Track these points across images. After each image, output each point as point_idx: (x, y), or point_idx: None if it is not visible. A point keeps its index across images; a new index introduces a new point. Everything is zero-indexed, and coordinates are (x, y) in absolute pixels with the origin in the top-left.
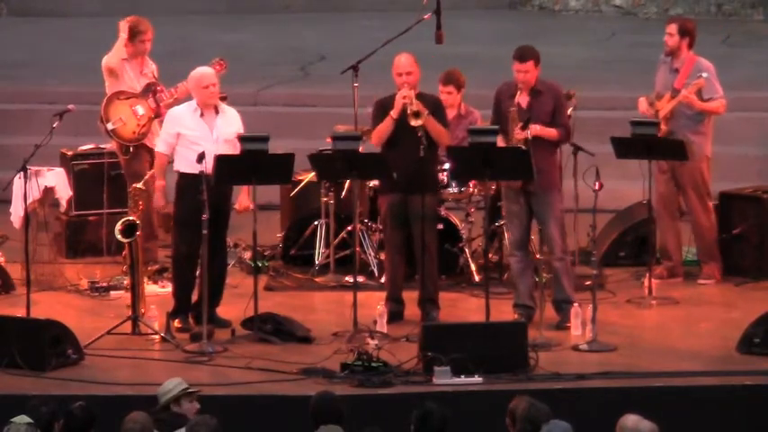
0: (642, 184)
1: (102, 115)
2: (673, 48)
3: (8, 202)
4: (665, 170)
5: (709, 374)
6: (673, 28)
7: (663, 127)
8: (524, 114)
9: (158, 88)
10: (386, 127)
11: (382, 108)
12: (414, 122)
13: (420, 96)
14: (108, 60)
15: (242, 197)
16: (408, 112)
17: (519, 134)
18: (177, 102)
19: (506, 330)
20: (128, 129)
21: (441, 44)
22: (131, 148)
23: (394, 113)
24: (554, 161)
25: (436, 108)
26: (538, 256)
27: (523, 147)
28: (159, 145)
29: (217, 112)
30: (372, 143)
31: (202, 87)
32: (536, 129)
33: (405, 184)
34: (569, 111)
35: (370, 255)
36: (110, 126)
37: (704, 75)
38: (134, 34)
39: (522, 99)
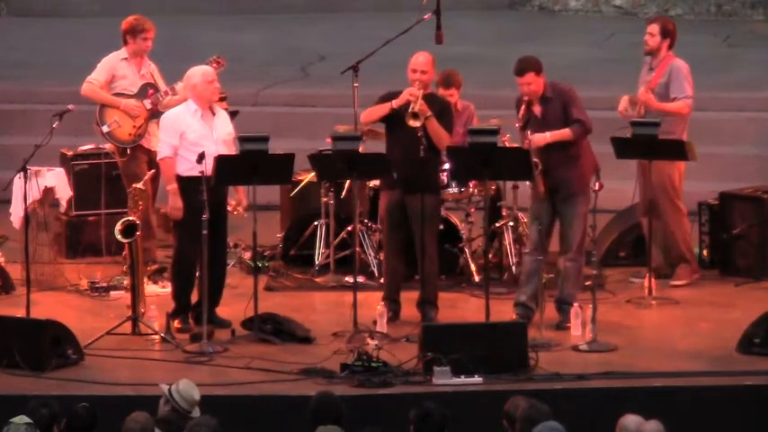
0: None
1: (98, 118)
2: (652, 48)
3: (8, 202)
4: (642, 172)
5: (709, 374)
6: (654, 28)
7: None
8: (540, 124)
9: (154, 89)
10: (381, 110)
11: (389, 97)
12: (411, 123)
13: (430, 97)
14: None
15: (239, 195)
16: (408, 110)
17: (529, 142)
18: (173, 102)
19: (506, 330)
20: (123, 131)
21: (440, 44)
22: (128, 150)
23: (395, 103)
24: (581, 167)
25: (443, 111)
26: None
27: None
28: (164, 150)
29: (213, 113)
30: (360, 118)
31: (207, 82)
32: (545, 137)
33: (404, 183)
34: None
35: (370, 255)
36: (105, 128)
37: (651, 73)
38: (136, 32)
39: (536, 108)
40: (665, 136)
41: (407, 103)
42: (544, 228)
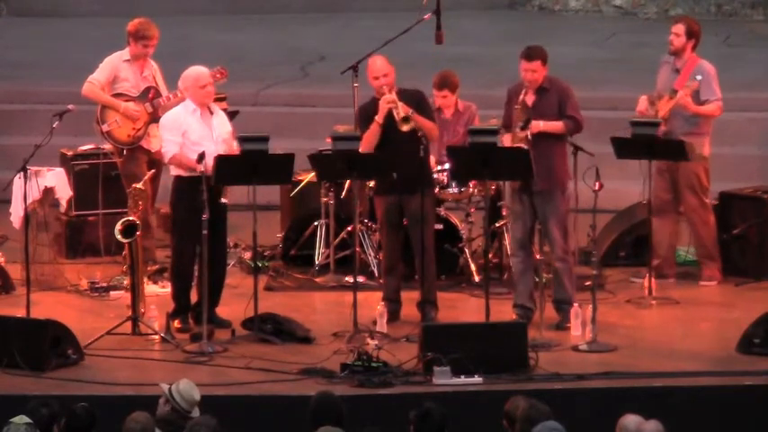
0: (642, 184)
1: (98, 116)
2: (678, 48)
3: (8, 202)
4: (663, 172)
5: (709, 374)
6: (680, 28)
7: (661, 127)
8: (528, 112)
9: (155, 92)
10: (373, 134)
11: (366, 113)
12: (405, 128)
13: (402, 93)
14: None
15: None
16: (397, 119)
17: (519, 133)
18: (172, 106)
19: (506, 330)
20: (122, 131)
21: (440, 44)
22: (125, 150)
23: (379, 119)
24: (560, 160)
25: (419, 102)
26: (538, 256)
27: (524, 145)
28: (171, 148)
29: (211, 112)
30: (362, 150)
31: (199, 87)
32: (539, 125)
33: (402, 184)
34: None
35: (370, 255)
36: (104, 127)
37: (698, 77)
38: (138, 37)
39: (529, 98)
40: (695, 138)
41: (390, 113)
42: (526, 228)
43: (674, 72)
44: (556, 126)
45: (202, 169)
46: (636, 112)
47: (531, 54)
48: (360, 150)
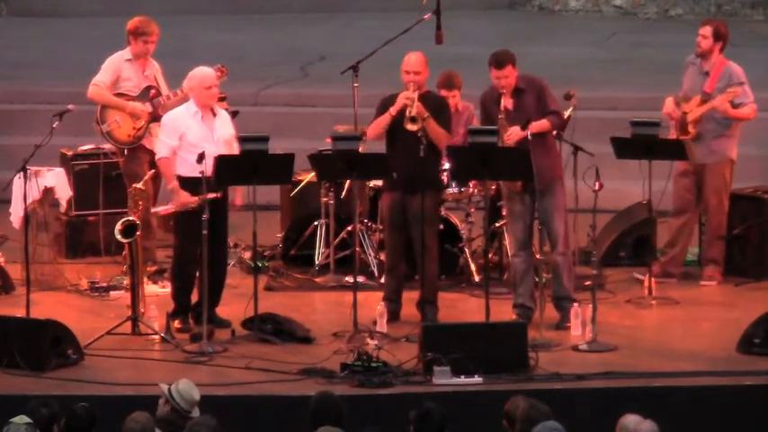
0: (642, 184)
1: (98, 116)
2: (705, 50)
3: (8, 202)
4: (689, 173)
5: (708, 374)
6: (707, 30)
7: (691, 130)
8: (512, 117)
9: (156, 91)
10: (382, 122)
11: (384, 105)
12: (409, 126)
13: (426, 96)
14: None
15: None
16: (406, 115)
17: (509, 139)
18: (172, 105)
19: (506, 330)
20: (123, 131)
21: (440, 44)
22: (126, 150)
23: (393, 110)
24: (554, 156)
25: (440, 110)
26: (538, 255)
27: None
28: (162, 151)
29: (213, 113)
30: (367, 136)
31: (205, 88)
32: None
33: (405, 183)
34: (569, 111)
35: (370, 255)
36: (104, 128)
37: (740, 83)
38: (138, 34)
39: (507, 102)
40: (726, 140)
41: (405, 108)
42: (526, 226)
43: (702, 75)
44: (542, 126)
45: (202, 169)
46: (663, 113)
47: (501, 61)
48: (367, 135)
